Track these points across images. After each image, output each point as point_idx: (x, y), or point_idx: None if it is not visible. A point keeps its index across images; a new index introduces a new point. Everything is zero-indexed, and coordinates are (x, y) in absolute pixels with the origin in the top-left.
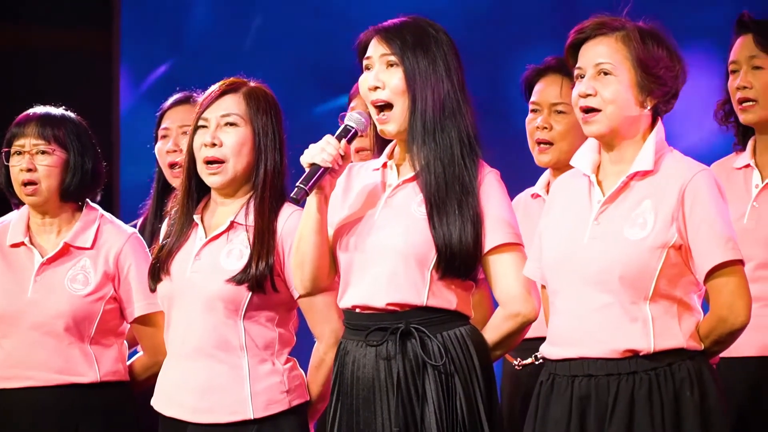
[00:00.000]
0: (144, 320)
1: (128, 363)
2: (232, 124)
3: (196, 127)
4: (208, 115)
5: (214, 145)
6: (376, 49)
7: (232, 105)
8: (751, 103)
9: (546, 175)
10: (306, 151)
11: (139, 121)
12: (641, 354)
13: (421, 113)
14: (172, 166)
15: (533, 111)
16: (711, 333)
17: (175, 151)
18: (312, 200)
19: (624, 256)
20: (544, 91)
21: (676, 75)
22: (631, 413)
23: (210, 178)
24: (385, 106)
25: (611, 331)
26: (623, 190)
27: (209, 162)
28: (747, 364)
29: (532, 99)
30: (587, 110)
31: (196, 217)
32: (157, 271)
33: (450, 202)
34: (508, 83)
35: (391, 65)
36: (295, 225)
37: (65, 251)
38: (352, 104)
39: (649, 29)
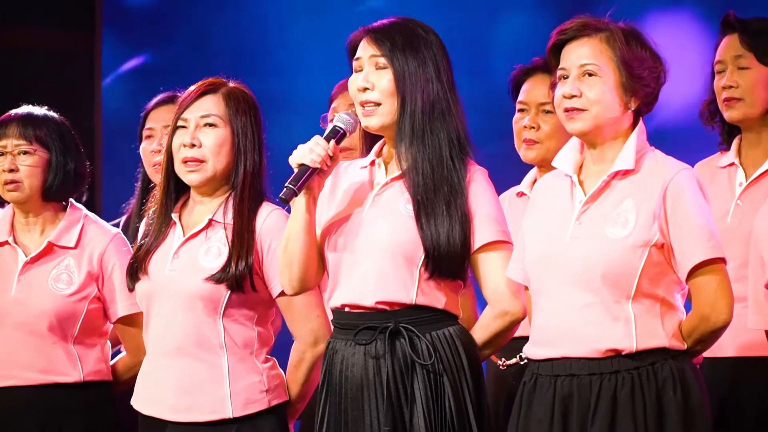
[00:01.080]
0: (127, 320)
1: (111, 363)
2: (211, 125)
3: (175, 127)
4: (188, 116)
5: (193, 145)
6: (365, 50)
7: (212, 105)
8: (737, 102)
9: (532, 174)
10: (295, 152)
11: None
12: (624, 353)
13: (410, 114)
14: (155, 164)
15: (520, 111)
16: (693, 332)
17: (159, 150)
18: (300, 201)
19: (606, 255)
20: (532, 90)
21: (658, 76)
22: (613, 413)
23: (189, 175)
24: (373, 107)
25: (593, 331)
26: (605, 190)
27: (187, 161)
28: (729, 365)
29: (520, 99)
30: (571, 110)
31: (174, 216)
32: (135, 270)
33: (438, 203)
34: None
35: (381, 67)
36: (274, 224)
37: (49, 250)
38: (333, 104)
39: (631, 30)
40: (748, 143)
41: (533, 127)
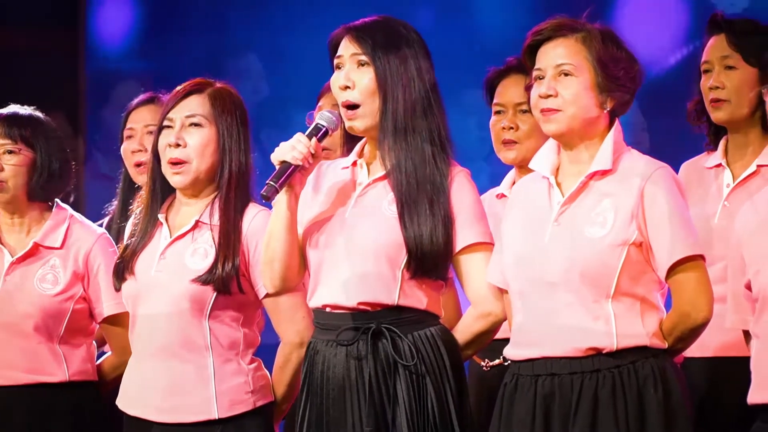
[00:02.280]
0: (113, 320)
1: (97, 363)
2: (196, 125)
3: (161, 128)
4: (173, 116)
5: (178, 145)
6: (347, 49)
7: (197, 105)
8: (723, 102)
9: (511, 175)
10: (277, 149)
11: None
12: (604, 352)
13: (392, 113)
14: (137, 165)
15: (497, 113)
16: (674, 330)
17: (140, 150)
18: (282, 198)
19: (585, 255)
20: (508, 91)
21: (634, 76)
22: (594, 412)
23: (173, 178)
24: (355, 106)
25: (574, 330)
26: (582, 190)
27: (173, 162)
28: (711, 364)
29: (496, 100)
30: (548, 111)
31: (161, 217)
32: (121, 271)
33: (421, 202)
34: None
35: (362, 65)
36: (261, 225)
37: (35, 251)
38: (320, 103)
39: (607, 31)
40: (735, 144)
41: (511, 128)
